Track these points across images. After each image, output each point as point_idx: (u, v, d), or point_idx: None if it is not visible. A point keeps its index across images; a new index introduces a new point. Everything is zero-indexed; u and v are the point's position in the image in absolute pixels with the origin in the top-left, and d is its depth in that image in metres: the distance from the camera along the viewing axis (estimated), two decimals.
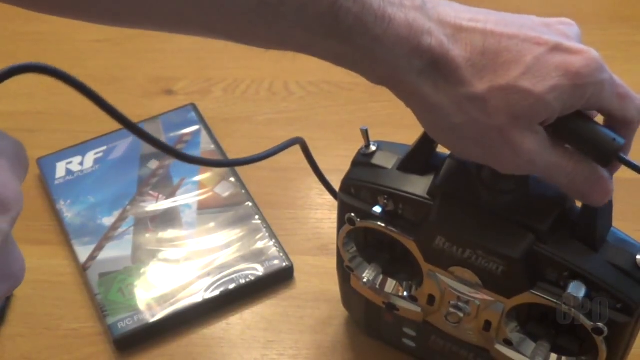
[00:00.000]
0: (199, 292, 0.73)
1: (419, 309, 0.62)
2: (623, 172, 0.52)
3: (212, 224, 0.78)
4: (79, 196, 0.81)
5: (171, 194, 0.81)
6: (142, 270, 0.75)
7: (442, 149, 0.59)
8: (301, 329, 0.72)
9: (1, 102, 0.92)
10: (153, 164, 0.83)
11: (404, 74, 0.48)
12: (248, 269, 0.75)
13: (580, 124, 0.50)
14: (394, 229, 0.58)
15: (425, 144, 0.58)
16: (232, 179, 0.82)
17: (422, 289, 0.60)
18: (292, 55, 0.48)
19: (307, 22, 0.46)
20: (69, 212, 0.80)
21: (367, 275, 0.62)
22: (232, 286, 0.73)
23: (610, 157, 0.50)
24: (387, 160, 0.60)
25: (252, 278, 0.74)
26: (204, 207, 0.80)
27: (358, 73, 0.49)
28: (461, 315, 0.59)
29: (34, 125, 0.84)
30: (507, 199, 0.54)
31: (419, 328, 0.65)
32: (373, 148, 0.61)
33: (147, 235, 0.78)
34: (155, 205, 0.80)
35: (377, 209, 0.58)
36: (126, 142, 0.85)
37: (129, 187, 0.81)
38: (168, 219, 0.79)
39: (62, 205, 0.80)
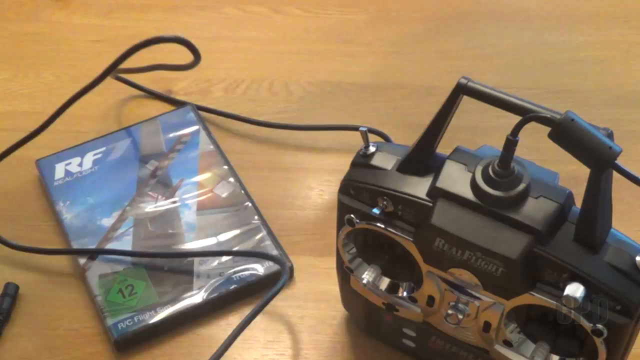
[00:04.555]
0: (199, 292, 0.73)
1: (418, 310, 0.62)
2: None
3: (212, 224, 0.78)
4: (78, 197, 0.81)
5: (170, 195, 0.81)
6: (141, 271, 0.75)
7: (441, 150, 0.59)
8: (301, 329, 0.72)
9: (1, 102, 0.92)
10: (152, 165, 0.83)
11: None
12: (248, 269, 0.75)
13: (577, 131, 0.50)
14: (393, 230, 0.58)
15: (425, 145, 0.58)
16: (232, 179, 0.82)
17: (421, 290, 0.60)
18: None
19: None
20: (69, 214, 0.80)
21: (366, 276, 0.62)
22: (232, 286, 0.73)
23: (606, 164, 0.50)
24: (386, 162, 0.59)
25: (252, 278, 0.74)
26: (203, 208, 0.79)
27: None
28: (461, 316, 0.59)
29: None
30: (507, 201, 0.54)
31: (418, 328, 0.65)
32: (372, 149, 0.60)
33: (147, 236, 0.78)
34: (155, 205, 0.80)
35: (377, 210, 0.58)
36: (125, 143, 0.85)
37: (128, 188, 0.81)
38: (167, 219, 0.79)
39: (61, 206, 0.80)
